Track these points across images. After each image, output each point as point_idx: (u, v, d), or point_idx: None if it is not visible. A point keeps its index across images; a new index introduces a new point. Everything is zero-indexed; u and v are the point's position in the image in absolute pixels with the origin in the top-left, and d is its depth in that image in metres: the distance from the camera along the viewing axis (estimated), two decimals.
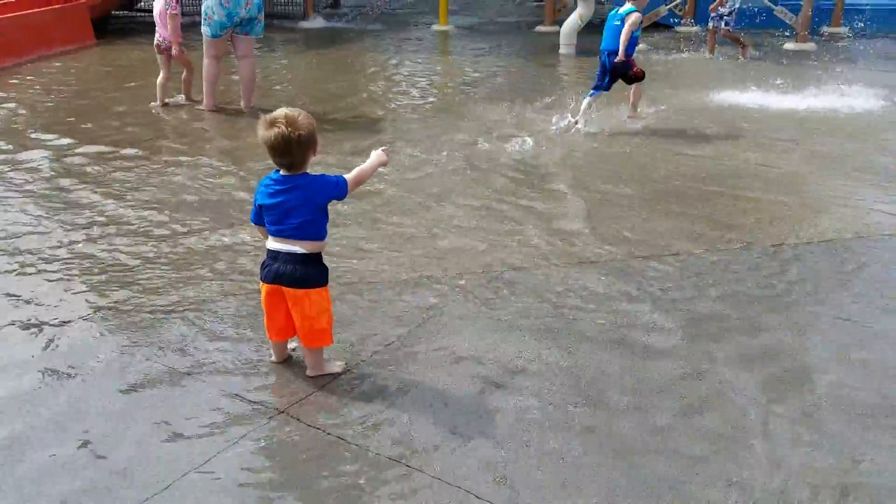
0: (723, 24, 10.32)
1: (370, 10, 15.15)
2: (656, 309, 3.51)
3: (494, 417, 2.73)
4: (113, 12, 13.04)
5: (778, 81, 8.37)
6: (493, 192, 5.08)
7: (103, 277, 3.85)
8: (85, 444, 2.59)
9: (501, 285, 3.76)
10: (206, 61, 7.04)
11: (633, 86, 6.93)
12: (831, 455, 2.53)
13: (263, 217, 2.93)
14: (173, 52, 7.05)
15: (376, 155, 3.14)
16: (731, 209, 4.79)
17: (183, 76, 7.48)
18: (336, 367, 3.08)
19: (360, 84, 8.77)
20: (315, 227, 2.89)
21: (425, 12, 15.34)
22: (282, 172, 2.89)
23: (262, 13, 7.00)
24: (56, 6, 11.16)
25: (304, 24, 13.70)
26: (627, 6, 6.64)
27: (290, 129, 2.78)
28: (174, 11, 6.93)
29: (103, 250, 4.16)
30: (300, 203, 2.84)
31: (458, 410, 2.77)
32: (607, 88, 6.84)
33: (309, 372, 3.04)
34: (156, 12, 7.12)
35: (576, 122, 6.63)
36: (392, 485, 2.40)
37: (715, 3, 10.34)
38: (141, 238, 4.34)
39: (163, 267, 3.97)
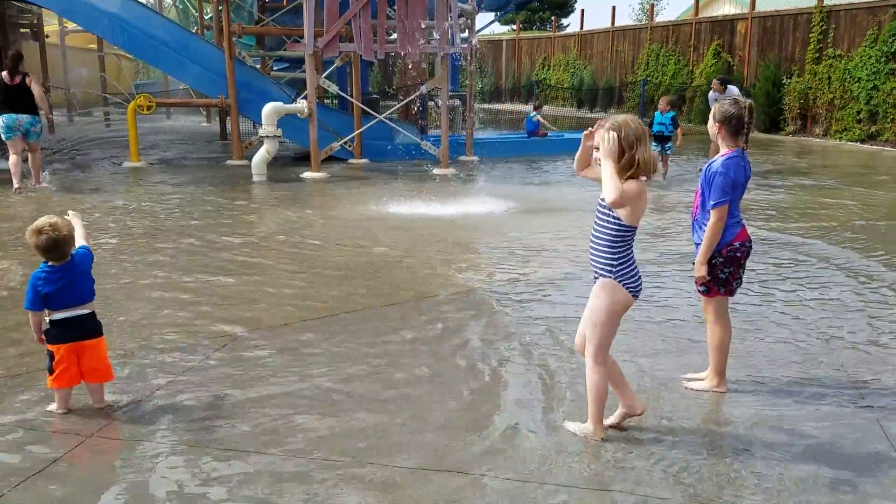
0: None
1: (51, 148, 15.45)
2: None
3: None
4: None
5: (425, 196, 10.84)
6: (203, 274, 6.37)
7: None
8: None
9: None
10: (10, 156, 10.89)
11: None
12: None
13: (46, 302, 3.76)
14: None
15: (75, 217, 4.10)
16: (383, 281, 6.62)
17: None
18: (110, 398, 4.06)
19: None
20: (92, 291, 3.94)
21: (112, 151, 16.03)
22: (51, 264, 3.79)
23: (35, 126, 10.72)
24: None
25: None
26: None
27: (56, 233, 3.71)
28: None
29: None
30: (80, 276, 3.88)
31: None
32: None
33: (97, 405, 3.97)
34: None
35: None
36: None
37: None
38: None
39: None
